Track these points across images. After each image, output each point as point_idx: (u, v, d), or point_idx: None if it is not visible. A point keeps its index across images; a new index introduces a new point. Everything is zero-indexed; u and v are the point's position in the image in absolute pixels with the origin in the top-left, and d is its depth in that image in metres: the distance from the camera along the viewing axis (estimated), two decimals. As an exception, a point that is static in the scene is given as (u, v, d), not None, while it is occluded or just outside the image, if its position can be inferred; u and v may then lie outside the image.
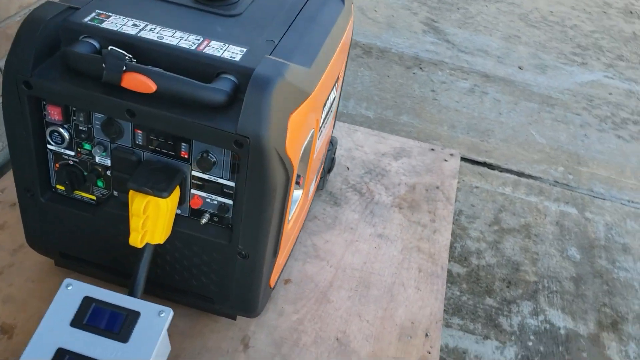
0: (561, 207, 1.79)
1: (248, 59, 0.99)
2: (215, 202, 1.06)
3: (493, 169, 1.91)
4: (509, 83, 2.38)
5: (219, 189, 1.04)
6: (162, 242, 1.06)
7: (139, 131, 1.01)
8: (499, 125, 2.12)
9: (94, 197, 1.12)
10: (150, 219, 1.01)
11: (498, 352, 1.36)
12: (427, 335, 1.34)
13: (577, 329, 1.44)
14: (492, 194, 1.79)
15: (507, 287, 1.53)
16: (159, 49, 0.99)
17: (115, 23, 1.02)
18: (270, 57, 0.99)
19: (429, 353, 1.30)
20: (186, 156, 1.02)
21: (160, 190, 0.98)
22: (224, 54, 0.99)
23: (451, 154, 1.88)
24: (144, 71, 0.94)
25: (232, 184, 1.03)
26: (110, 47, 0.95)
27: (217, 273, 1.13)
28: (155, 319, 0.99)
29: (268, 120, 0.94)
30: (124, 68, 0.93)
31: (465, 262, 1.57)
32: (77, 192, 1.12)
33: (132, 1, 1.09)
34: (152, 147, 1.02)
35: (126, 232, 1.11)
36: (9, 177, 1.53)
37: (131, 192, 1.01)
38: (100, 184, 1.09)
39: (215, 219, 1.08)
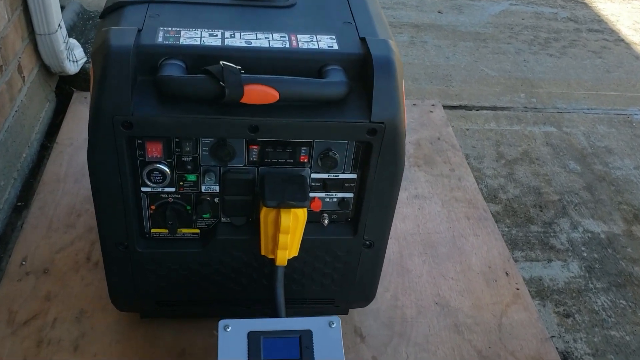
0: (542, 128, 1.92)
1: (346, 45, 0.95)
2: (335, 200, 1.02)
3: (470, 110, 2.00)
4: (439, 28, 2.47)
5: (339, 185, 1.00)
6: (297, 254, 1.01)
7: (255, 147, 0.94)
8: (452, 68, 2.21)
9: (198, 231, 1.03)
10: (292, 235, 0.95)
11: (565, 270, 1.46)
12: (507, 274, 1.40)
13: (612, 230, 1.58)
14: (482, 132, 1.88)
15: (541, 211, 1.63)
16: (257, 55, 0.92)
17: (192, 37, 0.93)
18: (370, 38, 0.95)
19: (518, 289, 1.37)
20: (306, 160, 0.96)
21: (301, 200, 0.92)
22: (321, 46, 0.95)
23: (432, 104, 1.94)
24: (264, 81, 0.87)
25: (353, 176, 0.99)
26: (222, 63, 0.86)
27: (340, 270, 1.10)
28: (329, 331, 0.94)
29: (398, 101, 0.91)
30: (242, 82, 0.86)
31: (496, 200, 1.65)
32: (178, 230, 1.02)
33: (182, 11, 1.00)
34: (269, 160, 0.96)
35: (241, 258, 1.05)
36: (25, 246, 1.35)
37: (265, 212, 0.94)
38: (206, 215, 1.01)
39: (334, 217, 1.04)
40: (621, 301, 1.40)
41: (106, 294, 1.23)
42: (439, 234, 1.49)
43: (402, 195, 1.58)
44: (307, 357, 0.92)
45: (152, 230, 1.02)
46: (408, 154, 1.73)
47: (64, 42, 1.65)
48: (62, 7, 1.82)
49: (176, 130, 0.89)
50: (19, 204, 1.50)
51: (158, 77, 0.87)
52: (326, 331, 0.95)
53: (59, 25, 1.61)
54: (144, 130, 0.88)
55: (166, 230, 1.02)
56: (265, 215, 0.94)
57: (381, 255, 1.09)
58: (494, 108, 2.02)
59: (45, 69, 1.70)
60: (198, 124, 0.88)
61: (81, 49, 1.82)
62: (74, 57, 1.74)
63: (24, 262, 1.30)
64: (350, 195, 1.02)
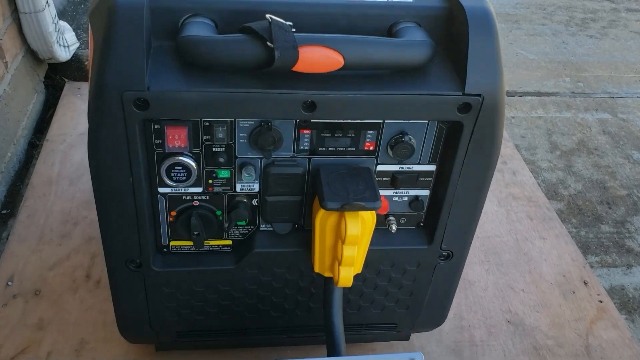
0: (595, 115, 1.71)
1: (421, -3, 0.73)
2: (406, 199, 0.80)
3: (512, 96, 1.78)
4: (466, 10, 2.25)
5: (413, 180, 0.78)
6: (360, 271, 0.78)
7: (307, 131, 0.72)
8: (487, 52, 1.98)
9: (230, 242, 0.80)
10: (360, 245, 0.73)
11: (650, 276, 1.24)
12: (585, 283, 1.18)
13: (695, 228, 1.36)
14: (530, 120, 1.66)
15: (609, 208, 1.41)
16: (310, 10, 0.70)
17: (221, -11, 0.70)
18: (453, -13, 0.73)
19: (601, 302, 1.15)
20: (372, 147, 0.74)
21: (371, 199, 0.70)
22: (390, -2, 0.72)
23: (472, 91, 1.72)
24: (325, 42, 0.64)
25: (432, 167, 0.77)
26: (268, 16, 0.64)
27: (407, 289, 0.87)
28: (410, 373, 0.72)
29: (499, 67, 0.69)
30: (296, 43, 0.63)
31: (558, 196, 1.44)
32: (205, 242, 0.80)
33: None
34: (324, 149, 0.73)
35: (284, 276, 0.82)
36: (11, 262, 1.11)
37: (322, 216, 0.72)
38: (242, 221, 0.78)
39: (403, 221, 0.82)
40: None
41: (111, 319, 0.99)
42: (500, 237, 1.27)
43: (451, 193, 1.36)
44: (385, 408, 0.69)
45: (172, 243, 0.79)
46: (452, 146, 1.51)
47: (53, 23, 1.42)
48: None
49: (206, 109, 0.66)
50: (3, 211, 1.26)
51: (181, 38, 0.65)
52: (406, 372, 0.72)
53: (47, 2, 1.38)
54: (163, 110, 0.65)
55: (190, 243, 0.79)
56: (323, 220, 0.72)
57: (460, 269, 0.87)
58: (539, 94, 1.80)
59: (32, 55, 1.47)
60: (235, 101, 0.65)
61: (73, 33, 1.59)
62: (64, 41, 1.51)
63: (10, 283, 1.07)
64: (426, 192, 0.79)
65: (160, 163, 0.71)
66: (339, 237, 0.71)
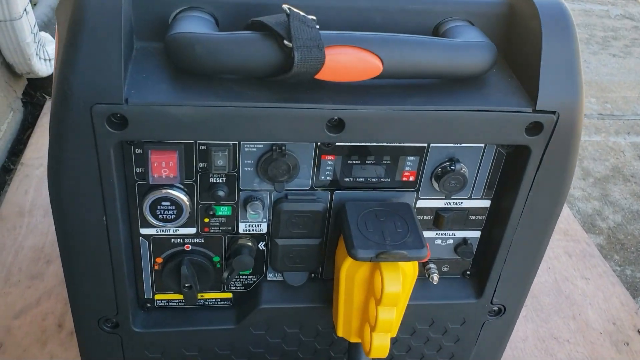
0: (628, 139, 1.56)
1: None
2: (451, 242, 0.64)
3: (536, 118, 1.63)
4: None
5: (461, 219, 0.62)
6: (395, 335, 0.62)
7: (330, 157, 0.56)
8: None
9: (230, 295, 0.64)
10: (399, 305, 0.57)
11: None
12: (639, 331, 1.02)
13: None
14: (558, 144, 1.50)
15: (656, 242, 1.26)
16: (336, 4, 0.54)
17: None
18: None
19: (660, 354, 0.99)
20: (412, 178, 0.58)
21: (417, 247, 0.54)
22: (436, -8, 0.57)
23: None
24: (358, 41, 0.49)
25: (486, 203, 0.61)
26: (286, 8, 0.48)
27: (447, 351, 0.71)
28: None
29: (579, 78, 0.54)
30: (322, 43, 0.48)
31: (596, 229, 1.28)
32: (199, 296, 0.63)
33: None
34: (351, 180, 0.58)
35: (297, 337, 0.66)
36: (-30, 305, 0.95)
37: (350, 266, 0.56)
38: (246, 270, 0.62)
39: (446, 269, 0.66)
40: None
41: (86, 380, 0.83)
42: (538, 277, 1.11)
43: (478, 226, 1.21)
44: None
45: (157, 297, 0.63)
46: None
47: (31, 33, 1.27)
48: (35, 4, 1.45)
49: (202, 129, 0.50)
50: (-34, 247, 1.09)
51: (171, 37, 0.49)
52: None
53: (25, 10, 1.23)
54: (146, 129, 0.49)
55: (180, 297, 0.63)
56: (351, 272, 0.56)
57: (512, 327, 0.71)
58: (565, 115, 1.66)
59: (7, 69, 1.32)
60: (240, 119, 0.50)
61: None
62: (45, 54, 1.36)
63: (-34, 334, 0.90)
64: (477, 234, 0.64)
65: (142, 198, 0.55)
66: (372, 294, 0.55)
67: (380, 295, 0.53)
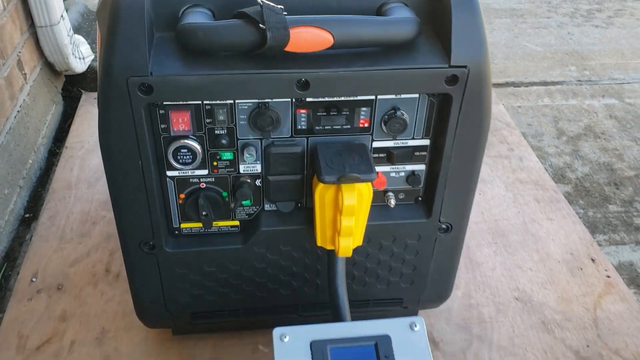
0: (602, 101, 1.72)
1: (408, -21, 0.77)
2: (403, 174, 0.83)
3: (519, 86, 1.81)
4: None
5: (408, 155, 0.81)
6: (360, 243, 0.81)
7: (303, 111, 0.75)
8: (492, 46, 2.03)
9: (237, 223, 0.85)
10: (357, 216, 0.76)
11: (660, 252, 1.25)
12: (593, 260, 1.19)
13: (703, 203, 1.37)
14: (536, 108, 1.68)
15: (617, 188, 1.43)
16: (301, -6, 0.74)
17: (218, -20, 0.74)
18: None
19: (609, 277, 1.16)
20: (366, 124, 0.78)
21: (366, 171, 0.73)
22: (377, -19, 0.76)
23: (477, 83, 1.75)
24: (314, 22, 0.69)
25: (426, 142, 0.80)
26: (260, 0, 0.68)
27: (410, 263, 0.90)
28: (411, 336, 0.75)
29: (483, 38, 0.73)
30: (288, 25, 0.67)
31: (564, 179, 1.45)
32: (214, 223, 0.84)
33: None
34: (321, 127, 0.77)
35: (290, 253, 0.86)
36: (35, 260, 1.17)
37: (321, 190, 0.76)
38: (247, 201, 0.82)
39: (402, 196, 0.85)
40: None
41: (130, 309, 1.04)
42: (507, 220, 1.29)
43: (458, 180, 1.39)
44: (388, 369, 0.72)
45: (182, 225, 0.83)
46: (458, 136, 1.54)
47: (68, 36, 1.48)
48: (67, 10, 1.67)
49: (206, 92, 0.70)
50: (26, 215, 1.32)
51: (180, 26, 0.69)
52: (408, 336, 0.75)
53: (62, 16, 1.45)
54: (166, 94, 0.70)
55: (199, 225, 0.83)
56: (322, 194, 0.76)
57: (460, 241, 0.90)
58: (545, 83, 1.83)
59: (49, 67, 1.54)
60: (233, 83, 0.70)
61: (88, 46, 1.65)
62: (80, 53, 1.58)
63: (34, 279, 1.13)
64: (422, 167, 0.83)
65: (167, 146, 0.75)
66: (338, 209, 0.75)
67: (342, 207, 0.73)
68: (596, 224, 1.34)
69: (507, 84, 1.80)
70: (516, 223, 1.28)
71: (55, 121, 1.57)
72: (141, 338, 1.02)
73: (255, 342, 1.01)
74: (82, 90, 1.68)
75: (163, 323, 0.95)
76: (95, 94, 1.67)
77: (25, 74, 1.39)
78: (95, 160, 1.41)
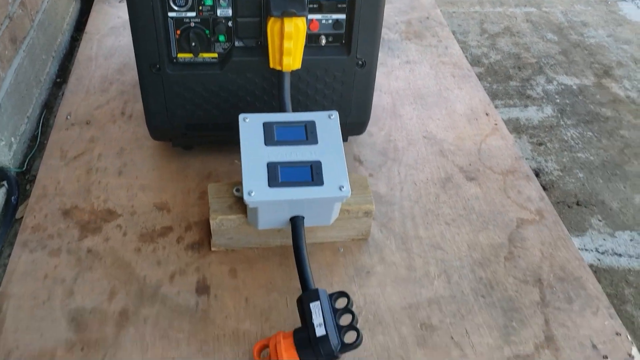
0: (523, 9, 2.09)
1: None
2: (330, 21, 1.22)
3: (456, -4, 2.17)
4: None
5: (333, 6, 1.19)
6: (299, 66, 1.21)
7: (260, -30, 1.14)
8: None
9: (216, 55, 1.23)
10: (294, 42, 1.15)
11: (540, 112, 1.66)
12: (487, 114, 1.60)
13: (583, 82, 1.77)
14: (467, 14, 2.06)
15: (519, 70, 1.82)
16: None
17: None
18: None
19: (496, 124, 1.57)
20: (303, -17, 1.16)
21: (301, 9, 1.12)
22: None
23: (422, -8, 2.12)
24: None
25: (344, -3, 1.19)
26: None
27: (338, 91, 1.30)
28: (329, 122, 1.15)
29: None
30: None
31: (479, 64, 1.84)
32: (200, 54, 1.23)
33: None
34: (272, -17, 1.15)
35: (253, 79, 1.25)
36: (68, 106, 1.56)
37: (271, 23, 1.14)
38: (222, 38, 1.21)
39: (330, 39, 1.24)
40: (588, 133, 1.60)
41: (141, 136, 1.45)
42: (428, 88, 1.69)
43: (395, 62, 1.78)
44: (312, 138, 1.13)
45: (179, 55, 1.22)
46: (399, 30, 1.92)
47: (85, -58, 1.84)
48: None
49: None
50: (57, 80, 1.71)
51: None
52: (327, 121, 1.15)
53: None
54: (168, -46, 1.08)
55: (190, 55, 1.22)
56: (272, 26, 1.14)
57: (372, 75, 1.29)
58: (478, -5, 2.19)
59: (70, -31, 1.90)
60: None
61: (100, -45, 2.00)
62: (94, -41, 1.93)
63: (68, 117, 1.52)
64: (343, 16, 1.21)
65: (168, -6, 1.14)
66: (281, 36, 1.14)
67: (284, 33, 1.12)
68: (497, 94, 1.73)
69: (446, -6, 2.16)
70: (434, 90, 1.68)
71: (75, 14, 1.94)
72: (149, 153, 1.42)
73: (232, 158, 1.41)
74: (95, -8, 2.04)
75: (165, 134, 1.35)
76: (106, -4, 2.04)
77: (52, -30, 1.76)
78: (110, 42, 1.79)
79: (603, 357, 1.05)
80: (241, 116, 1.14)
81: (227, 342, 1.05)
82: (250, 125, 1.13)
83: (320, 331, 0.94)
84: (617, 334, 1.09)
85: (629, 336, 1.09)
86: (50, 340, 1.04)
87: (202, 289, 1.13)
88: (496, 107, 1.66)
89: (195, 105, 1.28)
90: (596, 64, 1.84)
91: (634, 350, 1.07)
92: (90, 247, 1.20)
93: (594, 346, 1.07)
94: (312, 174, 1.08)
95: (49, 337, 1.05)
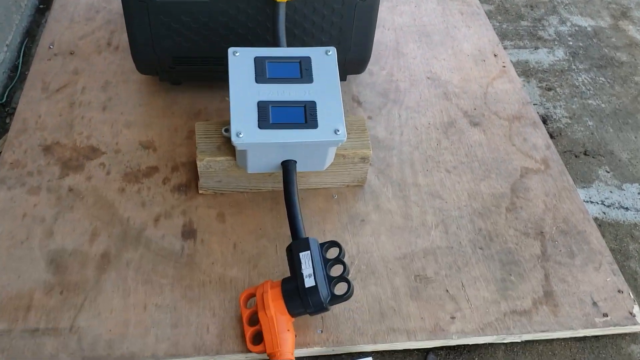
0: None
1: None
2: (330, -50, 1.12)
3: None
4: None
5: None
6: (294, -2, 1.11)
7: None
8: None
9: (206, -18, 1.14)
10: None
11: (551, 55, 1.57)
12: (495, 55, 1.51)
13: (599, 24, 1.67)
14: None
15: (532, 9, 1.71)
16: None
17: None
18: None
19: (504, 67, 1.48)
20: None
21: None
22: None
23: None
24: None
25: None
26: None
27: (337, 26, 1.20)
28: (326, 58, 1.07)
29: None
30: None
31: (489, 1, 1.75)
32: (189, -19, 1.13)
33: None
34: None
35: (246, 9, 1.16)
36: (51, 34, 1.47)
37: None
38: (213, -37, 1.11)
39: (330, -31, 1.14)
40: (600, 78, 1.51)
41: (128, 69, 1.37)
42: (434, 25, 1.59)
43: (400, -3, 1.67)
44: (307, 76, 1.05)
45: (166, -18, 1.13)
46: (406, -38, 1.80)
47: None
48: None
49: None
50: (41, 6, 1.60)
51: None
52: (323, 58, 1.07)
53: None
54: None
55: (178, -19, 1.13)
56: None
57: (375, 9, 1.20)
58: None
59: None
60: None
61: None
62: None
63: (51, 46, 1.43)
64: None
65: None
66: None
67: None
68: (507, 34, 1.64)
69: None
70: (440, 28, 1.58)
71: None
72: (136, 88, 1.35)
73: (223, 94, 1.34)
74: None
75: (151, 67, 1.27)
76: None
77: None
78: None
79: (603, 314, 1.01)
80: (231, 50, 1.06)
81: (213, 289, 1.01)
82: (241, 60, 1.05)
83: (309, 282, 0.89)
84: (619, 291, 1.05)
85: (631, 293, 1.04)
86: (29, 281, 1.00)
87: (188, 233, 1.08)
88: (505, 48, 1.56)
89: (182, 36, 1.19)
90: (613, 4, 1.74)
91: (636, 309, 1.02)
92: (71, 185, 1.14)
93: (595, 303, 1.02)
94: (305, 115, 1.01)
95: (27, 278, 1.00)
